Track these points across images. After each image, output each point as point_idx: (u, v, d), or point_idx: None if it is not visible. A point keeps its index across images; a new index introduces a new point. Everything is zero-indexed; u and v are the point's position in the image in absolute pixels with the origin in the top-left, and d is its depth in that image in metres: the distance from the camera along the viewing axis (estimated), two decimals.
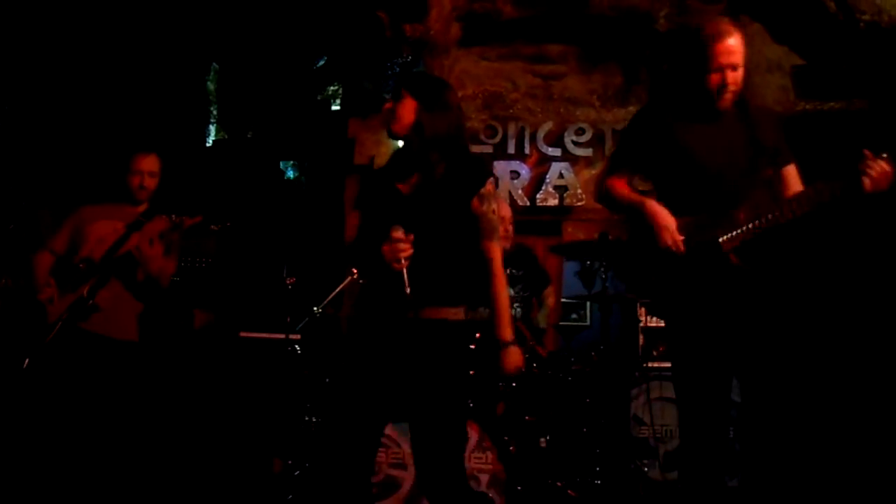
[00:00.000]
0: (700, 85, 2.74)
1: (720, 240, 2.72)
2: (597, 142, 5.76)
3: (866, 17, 4.57)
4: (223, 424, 4.91)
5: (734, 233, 2.71)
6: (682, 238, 2.73)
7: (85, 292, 3.58)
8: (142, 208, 3.86)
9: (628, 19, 5.20)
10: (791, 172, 2.85)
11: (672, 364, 2.93)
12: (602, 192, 3.00)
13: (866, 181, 2.60)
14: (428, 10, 4.88)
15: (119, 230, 3.73)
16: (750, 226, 2.70)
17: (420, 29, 4.92)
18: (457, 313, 2.62)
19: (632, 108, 5.71)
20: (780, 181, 2.83)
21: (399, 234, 2.50)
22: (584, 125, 5.74)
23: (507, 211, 4.65)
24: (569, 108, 5.74)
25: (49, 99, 5.75)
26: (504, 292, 2.67)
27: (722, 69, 2.70)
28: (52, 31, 5.67)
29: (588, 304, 5.72)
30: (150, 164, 3.86)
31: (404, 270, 2.49)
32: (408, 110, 2.65)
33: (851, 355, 4.53)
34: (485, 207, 2.63)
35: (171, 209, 3.91)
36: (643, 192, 2.94)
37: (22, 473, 3.61)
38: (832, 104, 5.09)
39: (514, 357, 2.66)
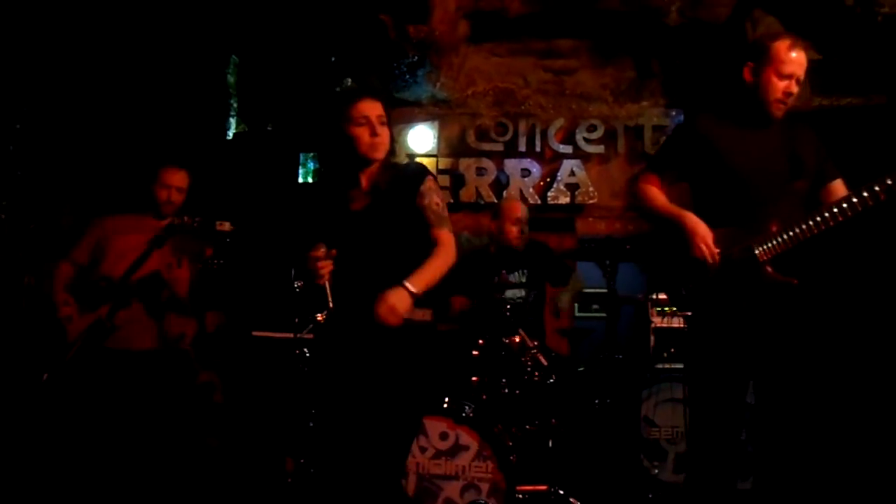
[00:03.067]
0: (759, 90, 2.77)
1: (755, 251, 2.73)
2: (608, 138, 5.69)
3: (885, 10, 4.41)
4: (237, 424, 4.97)
5: (768, 244, 2.72)
6: (718, 251, 2.74)
7: (104, 315, 3.61)
8: (165, 222, 3.80)
9: (639, 14, 5.09)
10: (838, 187, 2.86)
11: (689, 367, 2.94)
12: (636, 198, 2.99)
13: None
14: (431, 11, 4.82)
15: (140, 246, 3.67)
16: (784, 237, 2.71)
17: (424, 30, 4.86)
18: (424, 314, 2.69)
19: (644, 104, 5.64)
20: (825, 196, 2.84)
21: (320, 252, 2.57)
22: (595, 122, 5.67)
23: (522, 211, 4.58)
24: (581, 104, 5.67)
25: (67, 95, 5.79)
26: (441, 264, 2.66)
27: (790, 77, 2.75)
28: (69, 24, 5.71)
29: None
30: (180, 179, 3.85)
31: (326, 285, 2.58)
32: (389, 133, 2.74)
33: (877, 366, 4.44)
34: (426, 201, 2.70)
35: (194, 210, 3.89)
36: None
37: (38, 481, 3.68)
38: (849, 100, 4.96)
39: (398, 300, 2.52)
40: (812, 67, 4.95)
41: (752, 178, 2.78)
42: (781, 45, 2.75)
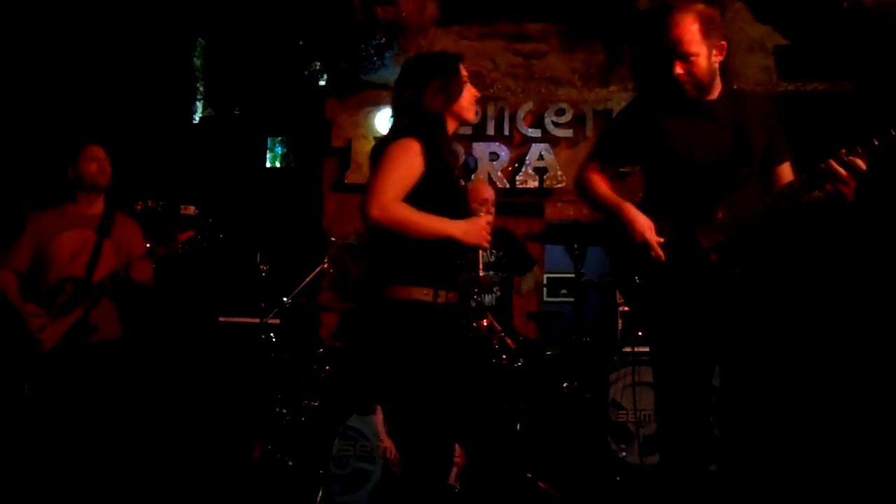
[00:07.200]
0: (667, 75, 2.64)
1: (699, 239, 2.67)
2: (577, 122, 5.68)
3: None
4: (204, 410, 4.93)
5: (712, 232, 2.65)
6: (661, 240, 2.68)
7: (81, 315, 3.56)
8: (98, 209, 3.76)
9: None
10: (785, 171, 2.75)
11: (652, 353, 2.91)
12: (580, 185, 2.92)
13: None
14: None
15: (89, 239, 3.65)
16: (727, 224, 2.63)
17: (392, 11, 4.81)
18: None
19: (613, 88, 5.63)
20: (773, 179, 2.73)
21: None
22: (564, 105, 5.66)
23: (489, 193, 4.57)
24: (550, 88, 5.64)
25: (27, 78, 5.65)
26: None
27: (671, 59, 2.59)
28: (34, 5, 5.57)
29: None
30: (102, 151, 3.75)
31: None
32: None
33: (834, 349, 4.50)
34: None
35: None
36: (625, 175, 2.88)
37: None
38: (815, 85, 5.00)
39: None
40: (779, 52, 5.05)
41: (696, 164, 2.68)
42: (664, 28, 2.61)
